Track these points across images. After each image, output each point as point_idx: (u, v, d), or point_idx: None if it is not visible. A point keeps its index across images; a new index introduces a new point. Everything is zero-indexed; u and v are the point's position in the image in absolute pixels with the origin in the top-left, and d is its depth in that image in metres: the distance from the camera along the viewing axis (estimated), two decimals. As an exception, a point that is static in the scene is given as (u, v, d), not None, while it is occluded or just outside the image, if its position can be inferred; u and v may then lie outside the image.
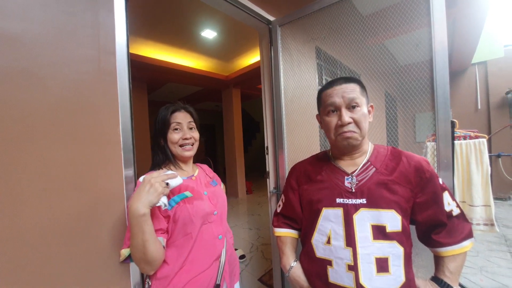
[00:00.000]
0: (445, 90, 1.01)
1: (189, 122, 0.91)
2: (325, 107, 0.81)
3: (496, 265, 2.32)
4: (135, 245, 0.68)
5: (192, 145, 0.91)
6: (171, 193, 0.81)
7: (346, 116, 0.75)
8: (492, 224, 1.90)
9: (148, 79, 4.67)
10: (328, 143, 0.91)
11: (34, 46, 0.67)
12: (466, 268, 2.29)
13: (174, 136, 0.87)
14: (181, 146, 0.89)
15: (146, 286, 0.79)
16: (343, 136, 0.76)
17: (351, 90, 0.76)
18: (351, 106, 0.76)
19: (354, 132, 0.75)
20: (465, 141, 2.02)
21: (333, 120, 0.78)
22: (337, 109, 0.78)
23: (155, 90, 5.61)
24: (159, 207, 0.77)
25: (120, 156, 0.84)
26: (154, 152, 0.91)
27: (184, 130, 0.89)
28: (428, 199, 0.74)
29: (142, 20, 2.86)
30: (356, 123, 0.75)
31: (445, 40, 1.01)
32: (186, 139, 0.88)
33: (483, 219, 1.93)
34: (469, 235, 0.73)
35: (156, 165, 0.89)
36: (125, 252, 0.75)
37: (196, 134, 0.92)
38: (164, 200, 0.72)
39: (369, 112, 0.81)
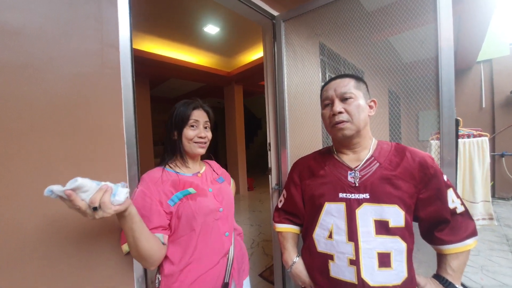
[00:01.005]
0: (450, 88, 1.00)
1: (206, 121, 0.92)
2: (322, 101, 0.85)
3: (497, 264, 2.32)
4: (129, 243, 0.69)
5: (205, 144, 0.92)
6: (175, 189, 0.81)
7: (338, 106, 0.77)
8: (491, 218, 1.93)
9: (150, 75, 4.67)
10: (331, 140, 0.91)
11: (36, 39, 0.67)
12: (467, 266, 2.29)
13: (190, 132, 0.87)
14: (195, 143, 0.89)
15: (156, 281, 0.80)
16: (336, 128, 0.78)
17: (345, 84, 0.78)
18: (344, 98, 0.77)
19: (345, 121, 0.76)
20: (468, 139, 2.02)
21: (327, 112, 0.81)
22: (331, 102, 0.80)
23: (157, 85, 5.61)
24: (161, 202, 0.77)
25: (123, 152, 0.84)
26: (165, 147, 0.92)
27: (200, 128, 0.89)
28: (431, 195, 0.73)
29: (144, 15, 2.85)
30: (349, 113, 0.76)
31: (451, 38, 1.00)
32: (201, 137, 0.89)
33: (482, 214, 1.96)
34: (473, 233, 0.73)
35: (164, 160, 0.90)
36: (125, 247, 0.76)
37: (210, 134, 0.93)
38: (117, 198, 0.57)
39: (370, 107, 0.81)
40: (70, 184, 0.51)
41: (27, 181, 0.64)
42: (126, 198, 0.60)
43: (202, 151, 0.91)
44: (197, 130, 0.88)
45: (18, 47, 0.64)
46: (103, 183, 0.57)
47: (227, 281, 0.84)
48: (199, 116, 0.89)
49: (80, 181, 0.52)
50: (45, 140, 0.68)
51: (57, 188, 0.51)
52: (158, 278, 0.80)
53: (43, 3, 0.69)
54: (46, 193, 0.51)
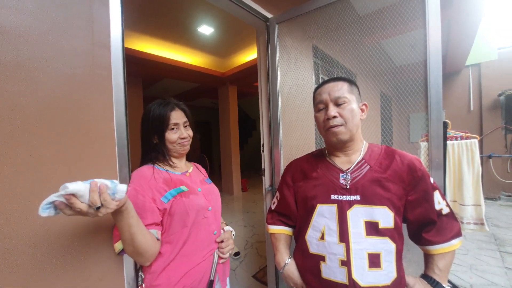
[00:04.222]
0: (438, 91, 1.02)
1: (185, 122, 0.92)
2: (315, 105, 0.86)
3: (485, 263, 2.38)
4: (124, 240, 0.69)
5: (188, 141, 0.93)
6: (167, 187, 0.81)
7: (333, 110, 0.78)
8: (482, 224, 1.95)
9: (143, 75, 4.61)
10: (323, 141, 0.92)
11: (26, 39, 0.65)
12: (456, 266, 2.34)
13: (172, 136, 0.88)
14: (178, 144, 0.90)
15: (139, 279, 0.81)
16: (331, 132, 0.79)
17: (339, 88, 0.79)
18: (338, 102, 0.78)
19: (339, 125, 0.77)
20: (457, 141, 2.06)
21: (321, 116, 0.82)
22: (325, 106, 0.81)
23: (151, 85, 5.55)
24: (154, 199, 0.77)
25: (114, 153, 0.83)
26: (145, 150, 0.91)
27: (180, 130, 0.90)
28: (419, 197, 0.75)
29: (138, 14, 2.82)
30: (343, 117, 0.77)
31: (439, 42, 1.02)
32: (183, 138, 0.90)
33: (473, 218, 1.98)
34: (458, 233, 0.75)
35: (148, 162, 0.89)
36: (118, 245, 0.76)
37: (190, 132, 0.95)
38: (117, 196, 0.58)
39: (362, 110, 0.83)
40: (63, 189, 0.50)
41: (17, 183, 0.63)
42: (126, 194, 0.61)
43: (187, 148, 0.94)
44: (179, 132, 0.90)
45: (8, 47, 0.63)
46: (89, 180, 0.55)
47: (212, 278, 0.86)
48: (178, 117, 0.89)
49: (71, 187, 0.50)
50: (35, 140, 0.66)
51: (52, 196, 0.50)
52: (141, 276, 0.81)
53: (33, 2, 0.67)
54: (43, 211, 0.49)
